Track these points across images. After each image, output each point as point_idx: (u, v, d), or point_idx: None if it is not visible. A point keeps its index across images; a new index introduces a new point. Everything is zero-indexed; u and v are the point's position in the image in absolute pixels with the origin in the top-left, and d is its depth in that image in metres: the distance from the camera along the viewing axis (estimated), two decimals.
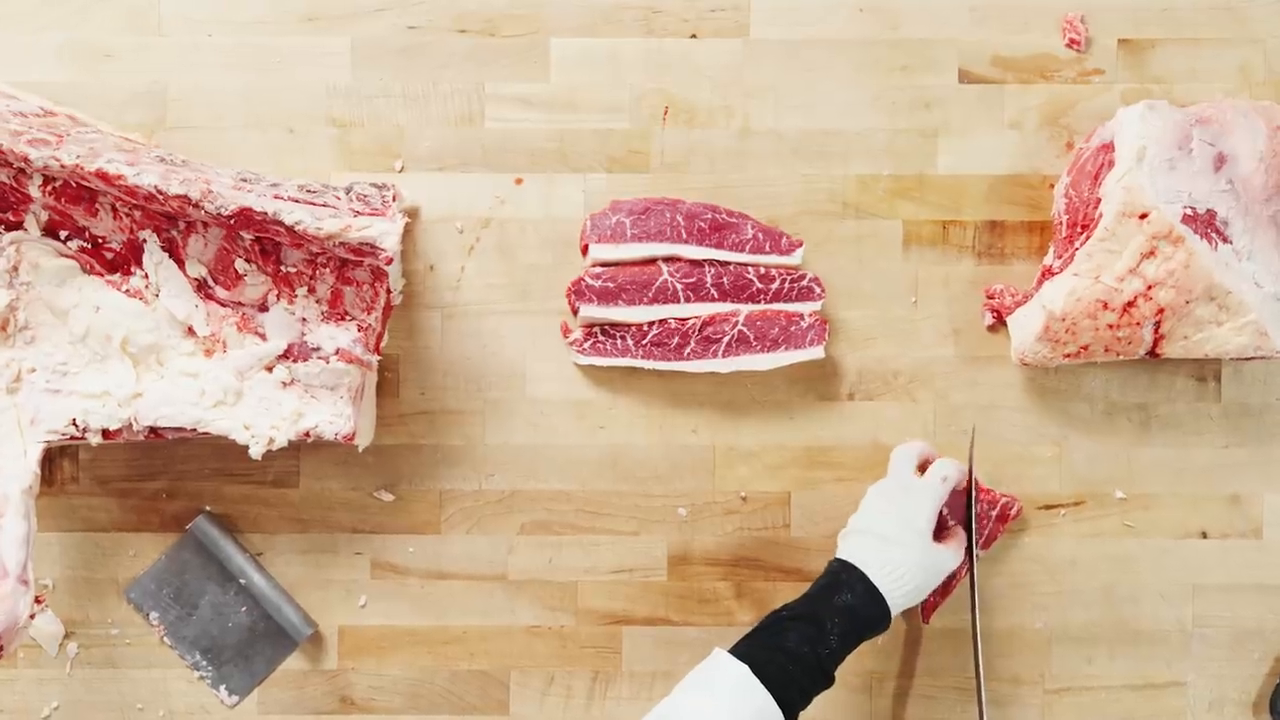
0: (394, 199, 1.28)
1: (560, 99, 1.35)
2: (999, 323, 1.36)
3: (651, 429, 1.36)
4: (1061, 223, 1.32)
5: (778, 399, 1.36)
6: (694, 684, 1.10)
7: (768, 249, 1.33)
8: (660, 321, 1.32)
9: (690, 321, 1.32)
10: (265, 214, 1.18)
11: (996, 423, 1.36)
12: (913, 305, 1.36)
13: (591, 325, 1.34)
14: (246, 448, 1.23)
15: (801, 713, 1.13)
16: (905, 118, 1.36)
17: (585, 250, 1.34)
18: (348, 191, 1.26)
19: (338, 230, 1.19)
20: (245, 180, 1.23)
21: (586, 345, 1.33)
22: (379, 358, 1.30)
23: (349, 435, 1.24)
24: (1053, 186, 1.36)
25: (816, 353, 1.33)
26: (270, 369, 1.24)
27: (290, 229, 1.19)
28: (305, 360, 1.24)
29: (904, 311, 1.36)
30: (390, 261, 1.21)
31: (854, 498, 1.32)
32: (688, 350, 1.32)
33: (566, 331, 1.35)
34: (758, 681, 1.09)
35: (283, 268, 1.25)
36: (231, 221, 1.19)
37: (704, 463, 1.36)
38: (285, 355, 1.25)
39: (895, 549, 1.19)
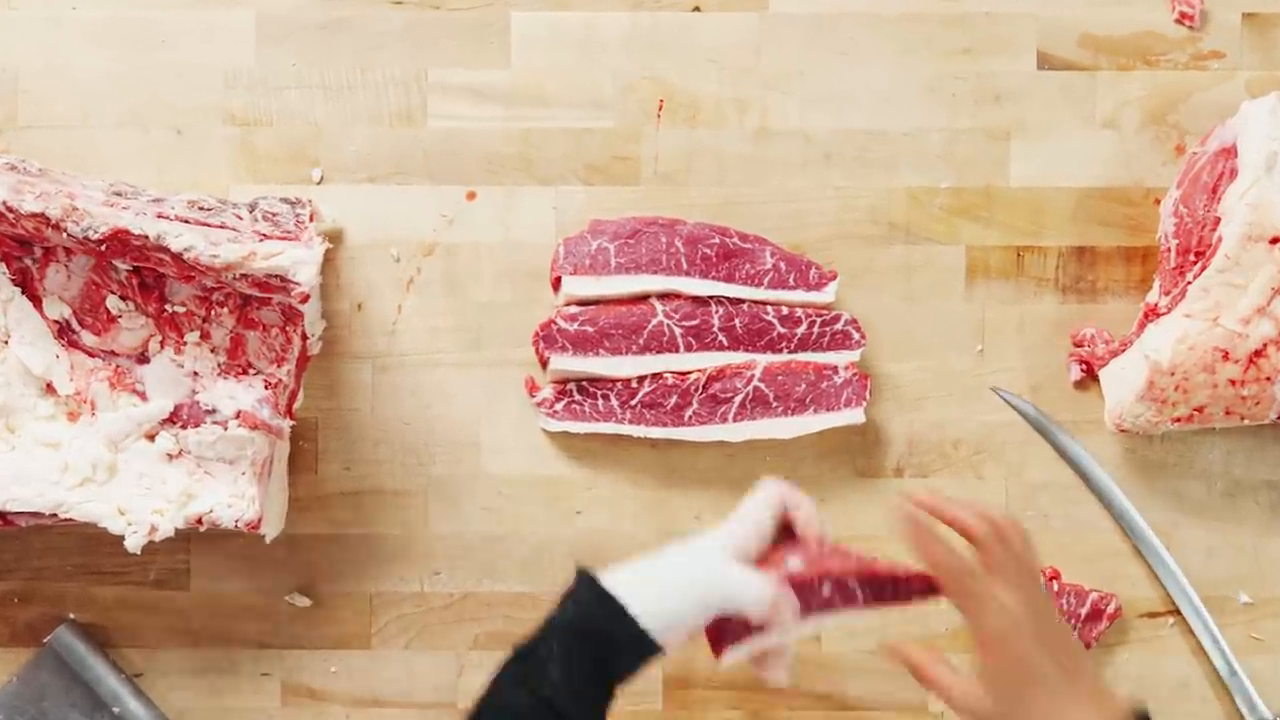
0: (311, 219, 1.27)
1: (524, 90, 1.35)
2: (1089, 378, 1.35)
3: (642, 514, 1.34)
4: (1170, 249, 1.30)
5: (805, 475, 1.34)
6: None
7: (792, 283, 1.31)
8: (654, 376, 1.30)
9: (692, 376, 1.30)
10: (146, 238, 1.17)
11: (1085, 506, 1.35)
12: (978, 355, 1.35)
13: (565, 381, 1.31)
14: (121, 538, 1.22)
15: None
16: (969, 114, 1.35)
17: (557, 284, 1.32)
18: (252, 209, 1.25)
19: (239, 259, 1.18)
20: (120, 194, 1.23)
21: (559, 407, 1.31)
22: (292, 423, 1.29)
23: (253, 522, 1.23)
24: (1158, 202, 1.35)
25: (855, 416, 1.31)
26: (152, 437, 1.23)
27: (178, 257, 1.18)
28: (197, 426, 1.23)
29: (967, 363, 1.35)
30: (306, 299, 1.20)
31: None
32: (689, 413, 1.30)
33: (533, 389, 1.32)
34: None
35: (168, 307, 1.24)
36: (103, 248, 1.18)
37: None
38: (172, 419, 1.24)
39: (670, 554, 1.11)
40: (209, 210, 1.22)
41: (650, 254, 1.30)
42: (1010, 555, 1.03)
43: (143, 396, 1.23)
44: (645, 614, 1.06)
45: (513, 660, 1.06)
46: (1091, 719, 1.01)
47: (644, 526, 1.33)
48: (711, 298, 1.31)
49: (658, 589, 1.07)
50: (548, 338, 1.29)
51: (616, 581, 1.07)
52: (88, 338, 1.23)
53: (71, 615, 1.33)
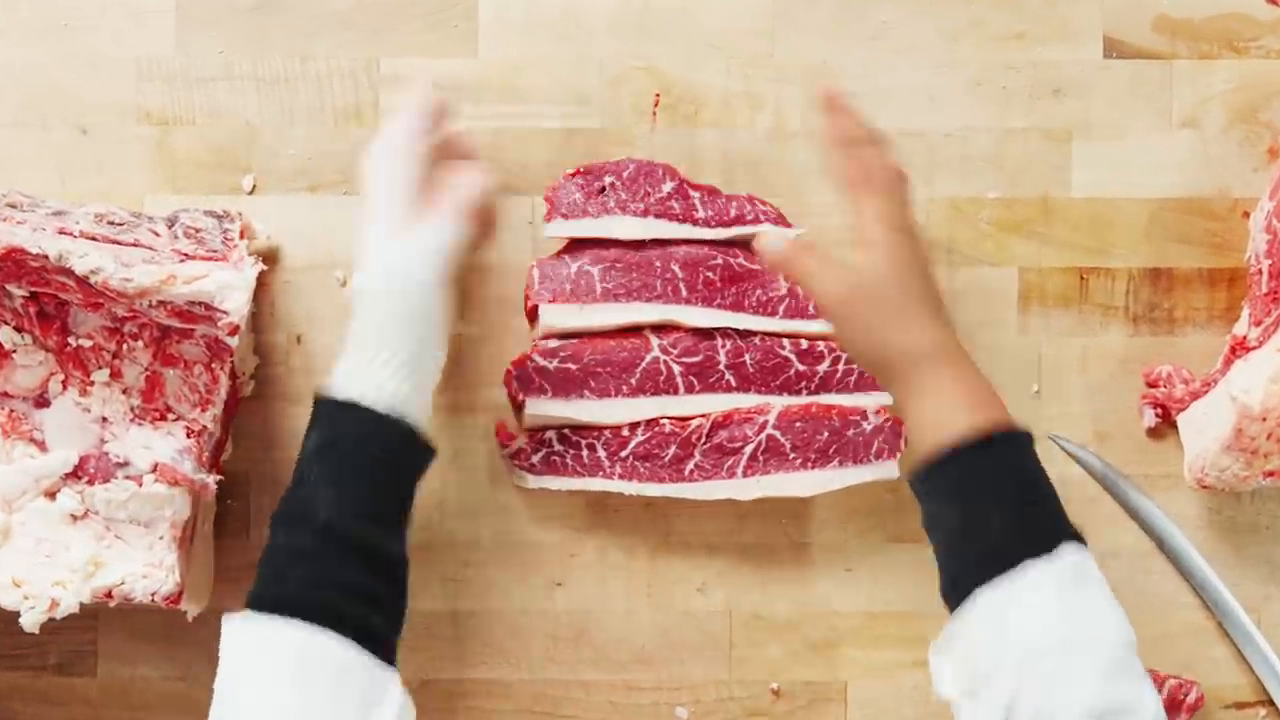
0: (241, 235, 1.26)
1: (494, 83, 1.33)
2: (1165, 424, 1.32)
3: (636, 586, 1.32)
4: (1261, 271, 1.27)
5: (827, 540, 1.32)
6: (222, 696, 1.08)
7: (811, 311, 1.30)
8: (649, 423, 1.28)
9: (695, 423, 1.28)
10: (45, 258, 1.16)
11: (1161, 576, 1.32)
12: (1034, 396, 1.33)
13: (544, 428, 1.29)
14: (16, 615, 1.19)
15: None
16: (1022, 112, 1.33)
17: (532, 313, 1.30)
18: (171, 224, 1.24)
19: (155, 283, 1.17)
20: (14, 206, 1.22)
21: (536, 459, 1.28)
22: (219, 477, 1.25)
23: (173, 596, 1.20)
24: (1247, 216, 1.32)
25: (886, 470, 1.29)
26: (53, 495, 1.22)
27: (83, 281, 1.17)
28: (106, 481, 1.22)
29: (1021, 407, 1.31)
30: (235, 330, 1.19)
31: None
32: (690, 466, 1.28)
33: (505, 438, 1.29)
34: (289, 622, 1.06)
35: (72, 340, 1.23)
36: None
37: (715, 637, 1.32)
38: (76, 474, 1.22)
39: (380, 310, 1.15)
40: (120, 225, 1.22)
41: (643, 277, 1.29)
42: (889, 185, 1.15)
43: (41, 446, 1.22)
44: (390, 399, 1.12)
45: (284, 516, 1.10)
46: (954, 399, 1.06)
47: (637, 601, 1.31)
48: (716, 329, 1.29)
49: (390, 370, 1.13)
50: (523, 377, 1.27)
51: (348, 382, 1.12)
52: None
53: None
